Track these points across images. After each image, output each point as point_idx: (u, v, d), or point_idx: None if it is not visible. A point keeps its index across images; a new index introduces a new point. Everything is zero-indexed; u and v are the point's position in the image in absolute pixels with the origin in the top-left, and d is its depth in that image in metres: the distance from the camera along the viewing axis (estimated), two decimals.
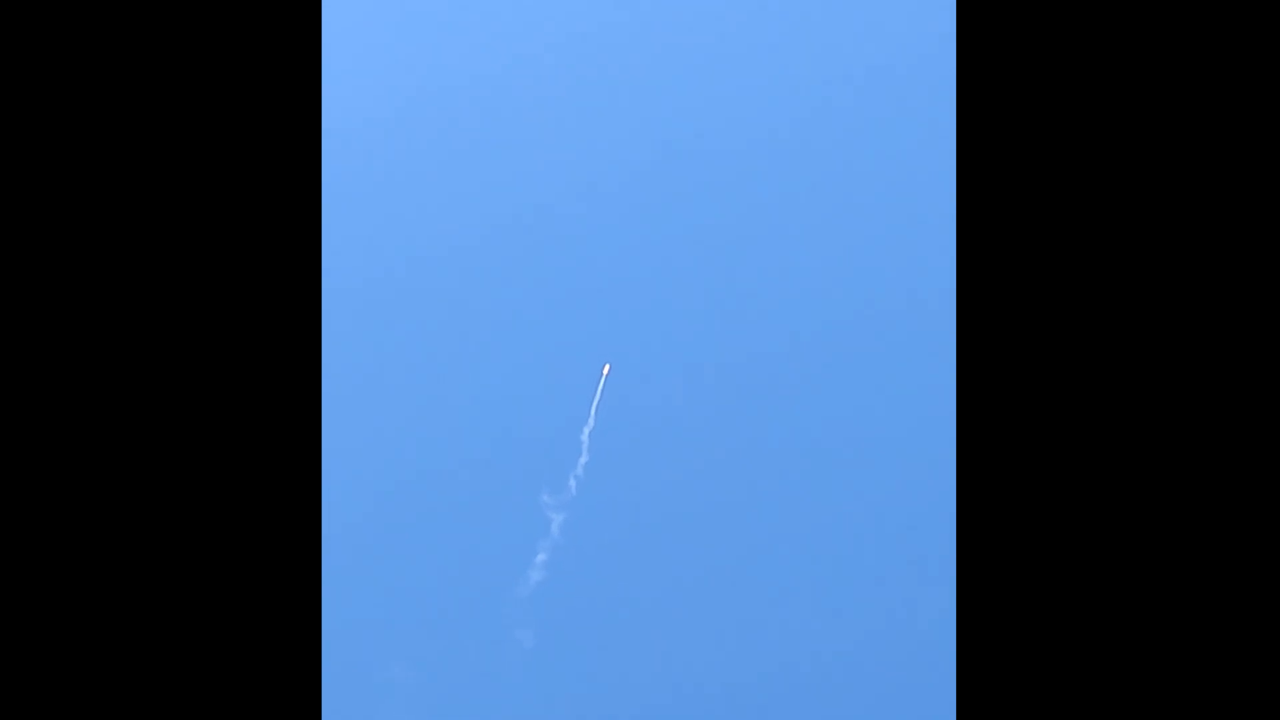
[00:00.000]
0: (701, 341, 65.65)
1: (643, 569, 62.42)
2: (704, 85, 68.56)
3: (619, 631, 62.00)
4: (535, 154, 68.16)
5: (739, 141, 67.81)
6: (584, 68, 69.02)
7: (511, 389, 64.97)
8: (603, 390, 61.91)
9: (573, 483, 61.67)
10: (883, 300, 65.48)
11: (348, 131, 66.32)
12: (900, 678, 60.78)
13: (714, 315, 65.95)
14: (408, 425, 64.78)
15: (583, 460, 61.77)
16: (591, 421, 61.66)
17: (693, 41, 68.83)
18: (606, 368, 62.24)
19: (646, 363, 64.80)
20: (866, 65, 67.72)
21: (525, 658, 61.04)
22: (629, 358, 64.01)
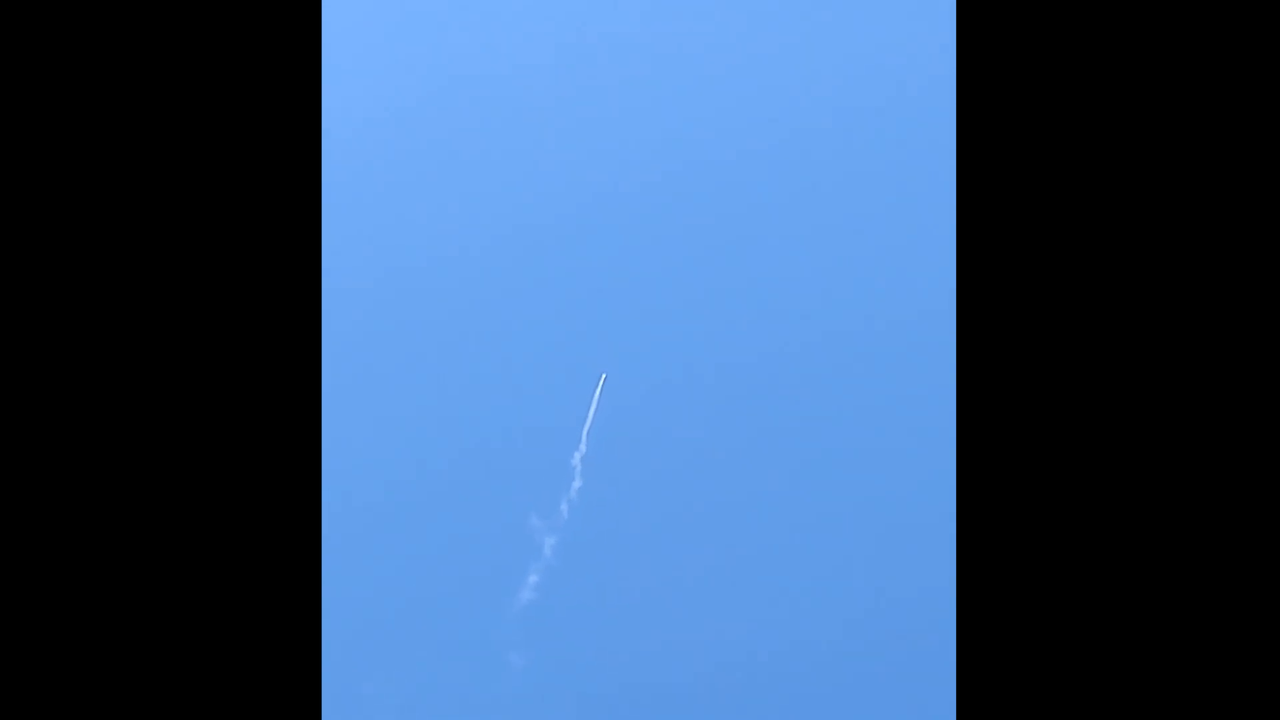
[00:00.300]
0: (696, 356, 65.73)
1: (634, 590, 62.55)
2: (704, 87, 68.73)
3: (610, 652, 62.15)
4: (529, 155, 68.30)
5: (740, 146, 67.95)
6: (581, 69, 69.21)
7: (507, 406, 65.06)
8: (597, 408, 61.78)
9: (565, 508, 61.65)
10: (883, 306, 65.63)
11: (346, 134, 66.47)
12: (898, 689, 61.03)
13: (709, 329, 65.98)
14: (401, 445, 64.81)
15: (576, 485, 61.72)
16: (583, 447, 61.59)
17: (693, 43, 69.01)
18: (603, 378, 62.10)
19: (640, 377, 64.88)
20: (866, 66, 67.89)
21: (516, 678, 61.19)
22: (623, 372, 64.02)
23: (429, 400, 65.14)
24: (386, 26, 69.09)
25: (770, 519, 63.19)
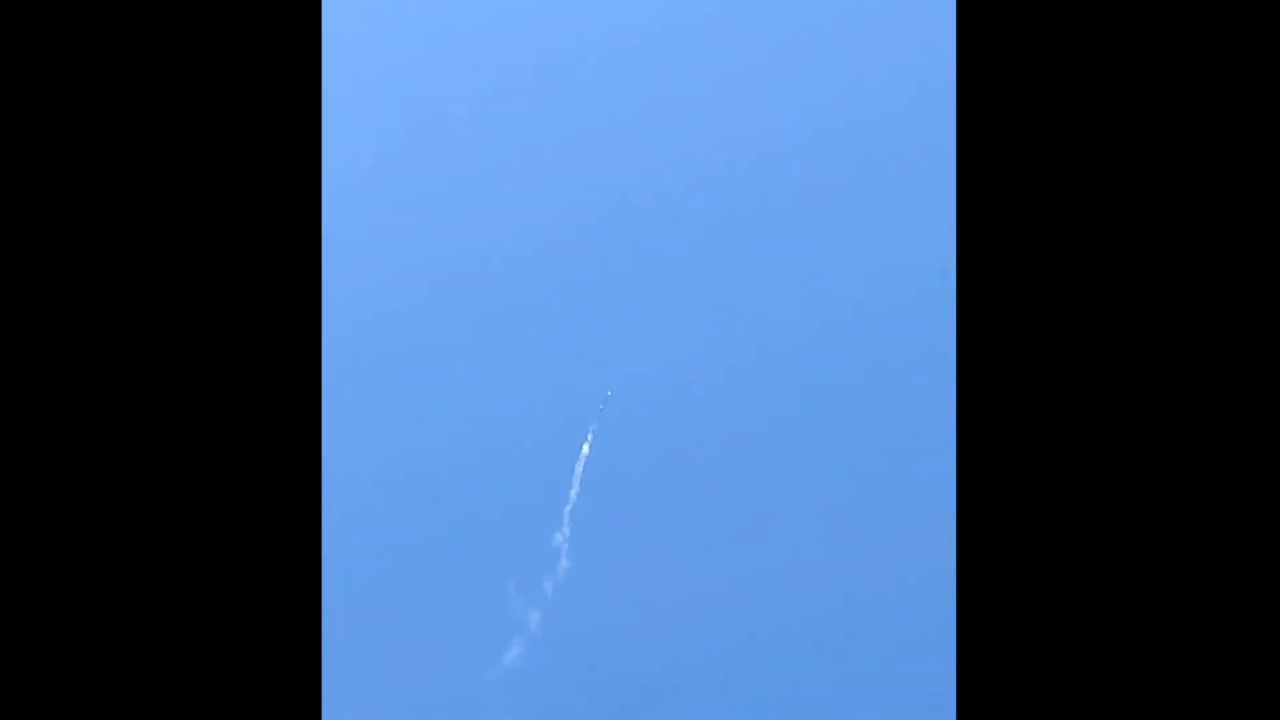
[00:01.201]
0: (684, 384, 65.43)
1: (616, 656, 62.35)
2: (703, 90, 68.62)
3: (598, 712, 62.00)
4: (526, 160, 68.11)
5: (742, 151, 67.79)
6: (579, 72, 69.07)
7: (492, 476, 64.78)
8: (581, 486, 61.38)
9: (548, 585, 61.40)
10: (883, 310, 65.41)
11: (345, 138, 66.27)
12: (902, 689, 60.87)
13: (698, 353, 65.65)
14: (397, 496, 64.62)
15: (563, 565, 61.42)
16: (566, 529, 61.37)
17: (693, 46, 68.91)
18: (587, 442, 61.52)
19: (628, 403, 64.53)
20: (867, 66, 67.78)
21: None
22: (607, 406, 63.53)
23: (406, 461, 64.94)
24: (387, 28, 68.97)
25: (761, 560, 63.00)
